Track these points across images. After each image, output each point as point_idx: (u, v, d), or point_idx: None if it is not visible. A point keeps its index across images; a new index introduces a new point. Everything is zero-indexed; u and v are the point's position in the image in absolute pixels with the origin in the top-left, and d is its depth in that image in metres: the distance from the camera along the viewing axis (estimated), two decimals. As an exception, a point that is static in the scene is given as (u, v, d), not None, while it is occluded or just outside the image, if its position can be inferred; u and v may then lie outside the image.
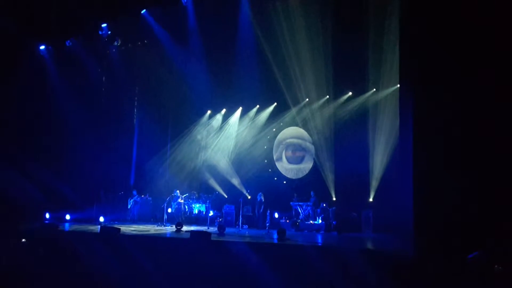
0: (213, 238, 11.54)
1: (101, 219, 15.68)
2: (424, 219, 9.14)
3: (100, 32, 17.73)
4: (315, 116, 17.90)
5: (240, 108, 19.73)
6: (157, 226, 15.65)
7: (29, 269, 10.79)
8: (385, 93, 16.15)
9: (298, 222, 15.57)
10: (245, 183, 18.79)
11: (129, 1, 16.62)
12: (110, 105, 19.21)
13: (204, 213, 17.95)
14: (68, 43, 18.01)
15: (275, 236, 12.46)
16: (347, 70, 16.36)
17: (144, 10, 16.95)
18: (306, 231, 15.22)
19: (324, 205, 15.84)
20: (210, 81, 18.30)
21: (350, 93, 17.30)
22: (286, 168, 19.18)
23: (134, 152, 20.36)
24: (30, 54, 17.55)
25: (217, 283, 9.73)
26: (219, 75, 18.25)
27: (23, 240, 12.28)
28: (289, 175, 19.06)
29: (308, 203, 16.23)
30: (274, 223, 15.62)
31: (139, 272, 10.31)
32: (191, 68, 18.30)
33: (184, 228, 14.29)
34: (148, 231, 13.87)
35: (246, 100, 19.10)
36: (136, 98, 20.69)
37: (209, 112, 20.41)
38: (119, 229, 12.44)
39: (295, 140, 19.11)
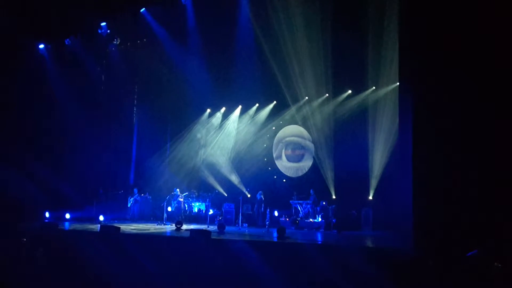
0: (213, 236, 11.54)
1: (101, 218, 15.67)
2: (424, 217, 9.15)
3: (99, 31, 17.70)
4: (314, 114, 17.92)
5: (240, 107, 19.75)
6: (157, 224, 15.65)
7: (29, 268, 10.80)
8: (384, 91, 16.17)
9: (298, 220, 15.58)
10: (245, 181, 18.80)
11: (128, -1, 16.63)
12: (109, 104, 19.19)
13: (204, 211, 17.97)
14: (67, 42, 17.99)
15: (275, 234, 12.46)
16: (347, 68, 16.36)
17: (143, 9, 16.93)
18: (305, 229, 15.23)
19: (324, 203, 15.84)
20: (210, 79, 18.28)
21: (350, 91, 17.33)
22: (285, 166, 19.19)
23: (134, 151, 20.39)
24: (29, 53, 17.53)
25: (217, 282, 9.73)
26: (219, 74, 18.26)
27: (23, 239, 12.28)
28: (289, 173, 19.08)
29: (308, 201, 16.24)
30: (274, 221, 15.65)
31: (139, 271, 10.31)
32: (190, 67, 18.27)
33: (184, 226, 14.29)
34: (148, 229, 13.87)
35: (246, 98, 19.10)
36: (135, 97, 20.71)
37: (208, 110, 20.43)
38: (119, 228, 12.43)
39: (294, 139, 19.13)
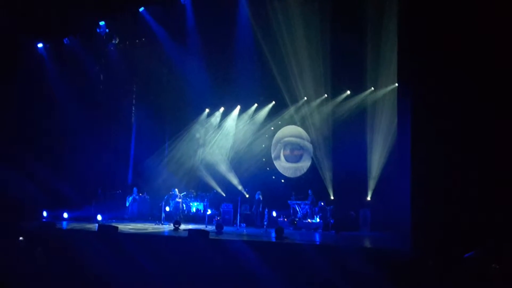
0: (211, 236, 11.54)
1: (99, 217, 15.65)
2: (422, 217, 9.16)
3: (98, 30, 17.66)
4: (313, 114, 17.92)
5: (238, 107, 19.73)
6: (155, 224, 15.63)
7: (27, 267, 10.77)
8: (383, 92, 16.17)
9: (296, 221, 15.59)
10: (243, 181, 18.79)
11: (127, -1, 16.62)
12: (108, 103, 19.17)
13: (202, 211, 17.95)
14: (66, 41, 17.97)
15: (273, 234, 12.46)
16: (345, 69, 16.38)
17: (142, 8, 16.91)
18: (304, 229, 15.24)
19: (322, 203, 15.85)
20: (208, 79, 18.25)
21: (348, 92, 17.33)
22: (284, 166, 19.19)
23: (132, 150, 20.37)
24: (28, 52, 17.50)
25: (215, 282, 9.72)
26: (217, 73, 18.24)
27: (21, 238, 12.25)
28: (287, 173, 19.08)
29: (306, 202, 16.24)
30: (272, 221, 15.63)
31: (137, 271, 10.29)
32: (189, 66, 18.25)
33: (182, 226, 14.28)
34: (146, 229, 13.86)
35: (244, 98, 19.10)
36: (134, 96, 20.69)
37: (207, 110, 20.42)
38: (117, 227, 12.41)
39: (293, 139, 19.14)
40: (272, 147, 19.49)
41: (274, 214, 16.36)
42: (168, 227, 14.73)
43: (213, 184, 19.37)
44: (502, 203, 8.52)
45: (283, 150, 19.29)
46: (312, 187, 16.71)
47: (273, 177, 19.17)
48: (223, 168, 19.45)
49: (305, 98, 17.92)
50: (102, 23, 17.54)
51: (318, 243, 11.93)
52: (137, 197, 18.19)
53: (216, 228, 13.49)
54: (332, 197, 16.91)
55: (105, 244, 11.31)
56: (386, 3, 14.45)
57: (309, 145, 18.51)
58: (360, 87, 16.80)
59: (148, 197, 18.75)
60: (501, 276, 7.68)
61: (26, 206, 15.29)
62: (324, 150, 17.45)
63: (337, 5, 15.41)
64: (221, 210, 16.95)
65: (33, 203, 15.61)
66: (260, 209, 16.33)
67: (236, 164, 19.39)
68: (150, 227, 14.75)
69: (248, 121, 19.53)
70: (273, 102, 19.01)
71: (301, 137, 18.85)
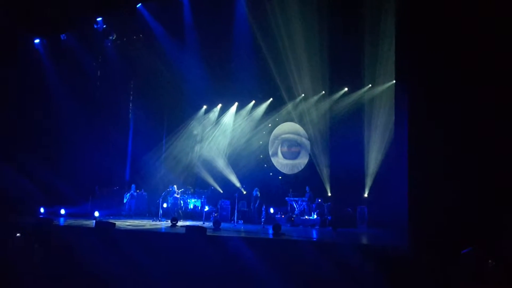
0: (209, 233, 11.54)
1: (96, 213, 15.64)
2: (419, 214, 9.19)
3: (95, 26, 17.59)
4: (311, 111, 17.94)
5: (236, 103, 19.73)
6: (152, 221, 15.63)
7: (24, 264, 10.76)
8: (380, 88, 16.22)
9: (293, 217, 15.62)
10: (241, 178, 18.81)
11: (125, -5, 16.57)
12: (105, 100, 19.11)
13: (199, 208, 17.96)
14: (63, 37, 17.90)
15: (270, 231, 12.49)
16: (343, 66, 16.40)
17: (140, 4, 16.85)
18: (301, 226, 15.26)
19: (319, 200, 15.89)
20: (206, 75, 18.24)
21: (346, 89, 17.35)
22: (281, 163, 19.21)
23: (130, 147, 20.35)
24: (25, 48, 17.43)
25: (213, 278, 9.74)
26: (215, 70, 18.21)
27: (18, 234, 12.24)
28: (285, 170, 19.10)
29: (304, 199, 16.27)
30: (270, 218, 15.64)
31: (134, 267, 10.30)
32: (186, 63, 18.23)
33: (180, 223, 14.29)
34: (144, 226, 13.86)
35: (242, 95, 19.12)
36: (131, 93, 20.65)
37: (204, 107, 20.43)
38: (114, 224, 12.42)
39: (290, 136, 19.15)
40: (270, 144, 19.50)
41: (272, 210, 16.38)
42: (165, 224, 14.73)
43: (211, 180, 19.39)
44: (499, 200, 8.55)
45: (281, 147, 19.30)
46: (310, 184, 16.73)
47: (271, 173, 19.20)
48: (221, 164, 19.46)
49: (303, 95, 17.94)
50: (99, 19, 17.47)
51: (315, 239, 11.94)
52: (134, 193, 18.19)
53: (214, 224, 13.49)
54: (329, 194, 16.98)
55: (103, 240, 11.31)
56: (383, 0, 14.45)
57: (306, 142, 18.53)
58: (357, 84, 16.82)
59: (146, 193, 18.75)
60: (496, 273, 7.72)
61: (23, 202, 15.27)
62: (321, 147, 17.49)
63: (335, 2, 15.40)
64: (219, 206, 16.95)
65: (30, 200, 15.58)
66: (258, 205, 16.34)
67: (233, 160, 19.40)
68: (147, 223, 14.75)
69: (245, 118, 19.54)
70: (271, 99, 19.02)
71: (298, 134, 18.87)
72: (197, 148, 20.41)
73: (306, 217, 15.70)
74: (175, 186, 17.88)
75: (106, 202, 17.53)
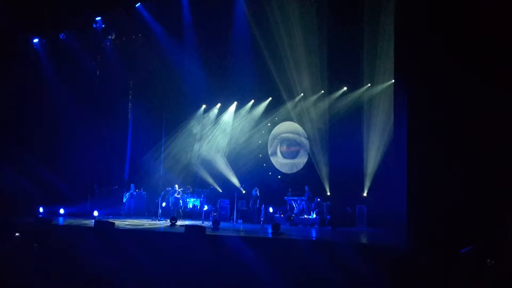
0: (208, 232, 11.54)
1: (95, 213, 15.64)
2: (418, 213, 9.19)
3: (94, 25, 17.61)
4: (310, 111, 17.94)
5: (235, 103, 19.73)
6: (152, 220, 15.64)
7: (23, 263, 10.76)
8: (379, 88, 16.22)
9: (293, 217, 15.62)
10: (240, 177, 18.82)
11: (124, -6, 16.56)
12: (104, 99, 19.07)
13: (198, 207, 17.97)
14: (62, 36, 17.87)
15: (270, 230, 12.49)
16: (342, 65, 16.39)
17: (139, 4, 16.86)
18: (300, 225, 15.27)
19: (319, 199, 15.89)
20: (205, 75, 18.24)
21: (345, 88, 17.35)
22: (280, 162, 19.22)
23: (129, 146, 20.35)
24: (24, 48, 17.43)
25: (212, 278, 9.74)
26: (214, 69, 18.21)
27: (17, 234, 12.24)
28: (284, 169, 19.11)
29: (303, 198, 16.27)
30: (269, 217, 15.66)
31: (133, 267, 10.30)
32: (185, 62, 18.25)
33: (179, 222, 14.29)
34: (143, 225, 13.86)
35: (241, 94, 19.12)
36: (130, 92, 20.63)
37: (204, 106, 20.42)
38: (113, 223, 12.42)
39: (290, 135, 19.15)
40: (269, 143, 19.50)
41: (271, 210, 16.38)
42: (164, 223, 14.73)
43: (210, 180, 19.39)
44: (499, 199, 8.55)
45: (280, 146, 19.31)
46: (309, 183, 16.73)
47: (270, 173, 19.20)
48: (220, 164, 19.46)
49: (302, 94, 17.94)
50: (98, 18, 17.46)
51: (314, 239, 11.95)
52: (134, 193, 18.19)
53: (213, 224, 13.49)
54: (328, 193, 16.98)
55: (102, 240, 11.32)
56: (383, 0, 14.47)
57: (305, 141, 18.53)
58: (356, 83, 16.83)
59: (145, 193, 18.74)
60: (495, 273, 7.73)
61: (22, 202, 15.26)
62: (320, 146, 17.49)
63: (334, 1, 15.40)
64: (218, 206, 16.97)
65: (29, 199, 15.58)
66: (257, 205, 16.32)
67: (233, 160, 19.41)
68: (146, 223, 14.75)
69: (245, 117, 19.53)
70: (270, 98, 19.01)
71: (297, 133, 18.87)
72: (196, 147, 20.41)
73: (305, 216, 15.71)
74: (176, 185, 17.90)
75: (105, 201, 17.54)
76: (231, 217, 15.83)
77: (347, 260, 9.30)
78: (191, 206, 18.28)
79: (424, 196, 9.18)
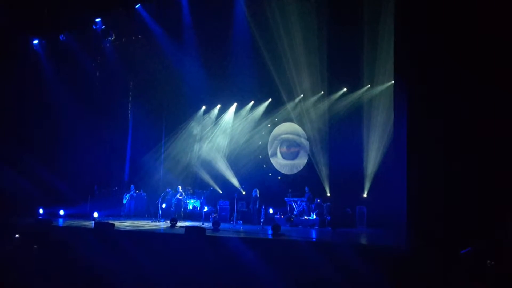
0: (208, 233, 11.54)
1: (95, 214, 15.63)
2: (418, 214, 9.18)
3: (94, 27, 17.62)
4: (310, 112, 17.94)
5: (235, 104, 19.73)
6: (152, 221, 15.63)
7: (23, 265, 10.75)
8: (379, 89, 16.24)
9: (293, 218, 15.62)
10: (240, 178, 18.81)
11: (124, -5, 16.57)
12: (104, 100, 19.07)
13: (198, 208, 17.96)
14: (61, 37, 17.88)
15: (270, 231, 12.48)
16: (342, 66, 16.41)
17: (139, 5, 16.86)
18: (300, 226, 15.27)
19: (319, 200, 15.89)
20: (205, 76, 18.24)
21: (345, 89, 17.36)
22: (280, 163, 19.21)
23: (129, 147, 20.33)
24: (24, 48, 17.43)
25: (212, 279, 9.73)
26: (214, 71, 18.20)
27: (17, 235, 12.23)
28: (284, 170, 19.10)
29: (303, 199, 16.27)
30: (269, 218, 15.66)
31: (133, 268, 10.29)
32: (185, 63, 18.24)
33: (179, 223, 14.28)
34: (143, 226, 13.85)
35: (241, 95, 19.12)
36: (130, 93, 20.62)
37: (203, 107, 20.43)
38: (113, 224, 12.41)
39: (290, 136, 19.15)
40: (269, 144, 19.50)
41: (271, 211, 16.38)
42: (164, 224, 14.72)
43: (210, 181, 19.39)
44: (499, 199, 8.55)
45: (280, 147, 19.31)
46: (309, 184, 16.73)
47: (270, 174, 19.20)
48: (220, 165, 19.46)
49: (302, 95, 17.95)
50: (98, 19, 17.47)
51: (314, 240, 11.93)
52: (134, 194, 18.18)
53: (213, 225, 13.49)
54: (328, 194, 16.99)
55: (102, 241, 11.31)
56: (382, 1, 14.47)
57: (305, 142, 18.53)
58: (356, 84, 16.85)
59: (145, 194, 18.73)
60: (494, 272, 7.72)
61: (22, 203, 15.25)
62: (320, 147, 17.50)
63: (334, 2, 15.42)
64: (218, 207, 16.97)
65: (29, 200, 15.57)
66: (257, 206, 16.33)
67: (232, 161, 19.41)
68: (146, 224, 14.74)
69: (244, 118, 19.53)
70: (270, 99, 19.02)
71: (297, 134, 18.87)
72: (196, 148, 20.41)
73: (305, 217, 15.70)
74: (179, 187, 17.92)
75: (105, 202, 17.54)
76: (231, 218, 15.82)
77: (347, 261, 9.30)
78: (191, 207, 18.28)
79: (424, 196, 9.17)
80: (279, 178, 19.03)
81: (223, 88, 18.79)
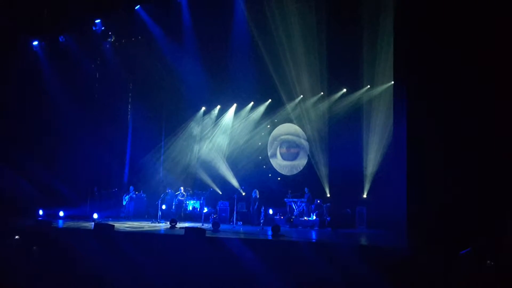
0: (208, 234, 11.54)
1: (95, 215, 15.62)
2: (417, 215, 9.20)
3: (93, 28, 17.60)
4: (309, 112, 17.93)
5: (235, 105, 19.71)
6: (151, 222, 15.62)
7: (22, 266, 10.74)
8: (379, 89, 16.23)
9: (292, 219, 15.60)
10: (240, 179, 18.79)
11: (123, -4, 16.59)
12: (103, 101, 19.07)
13: (198, 209, 17.95)
14: (61, 38, 17.88)
15: (270, 232, 12.47)
16: (342, 67, 16.40)
17: (138, 6, 16.86)
18: (300, 227, 15.25)
19: (318, 201, 15.86)
20: (205, 77, 18.23)
21: (345, 90, 17.34)
22: (280, 164, 19.20)
23: (128, 149, 20.30)
24: (23, 50, 17.43)
25: (212, 280, 9.73)
26: (214, 72, 18.20)
27: (16, 237, 12.22)
28: (284, 171, 19.08)
29: (302, 200, 16.24)
30: (269, 219, 15.63)
31: (133, 269, 10.29)
32: (185, 64, 18.23)
33: (179, 224, 14.27)
34: (143, 227, 13.84)
35: (241, 96, 19.10)
36: (130, 94, 20.59)
37: (203, 108, 20.40)
38: (113, 225, 12.40)
39: (289, 137, 19.14)
40: (269, 145, 19.48)
41: (271, 212, 16.36)
42: (164, 225, 14.71)
43: (210, 182, 19.37)
44: (499, 199, 8.55)
45: (280, 148, 19.29)
46: (309, 185, 16.70)
47: (270, 175, 19.17)
48: (220, 166, 19.44)
49: (301, 96, 17.93)
50: (98, 20, 17.47)
51: (314, 240, 11.93)
52: (134, 195, 18.16)
53: (213, 226, 13.48)
54: (328, 195, 16.96)
55: (102, 242, 11.30)
56: (382, 2, 14.47)
57: (305, 143, 18.52)
58: (356, 85, 16.82)
59: (145, 195, 18.71)
60: (494, 272, 7.72)
61: (21, 204, 15.24)
62: (320, 147, 17.48)
63: (334, 3, 15.43)
64: (218, 208, 16.94)
65: (28, 202, 15.57)
66: (257, 207, 16.31)
67: (232, 162, 19.38)
68: (146, 225, 14.73)
69: (244, 119, 19.52)
70: (270, 100, 19.00)
71: (297, 135, 18.86)
72: (196, 149, 20.39)
73: (305, 218, 15.69)
74: (182, 188, 17.91)
75: (105, 204, 17.51)
76: (231, 219, 15.81)
77: (347, 261, 9.29)
78: (191, 208, 18.26)
79: (423, 197, 9.18)
80: (279, 179, 19.01)
81: (223, 89, 18.79)
